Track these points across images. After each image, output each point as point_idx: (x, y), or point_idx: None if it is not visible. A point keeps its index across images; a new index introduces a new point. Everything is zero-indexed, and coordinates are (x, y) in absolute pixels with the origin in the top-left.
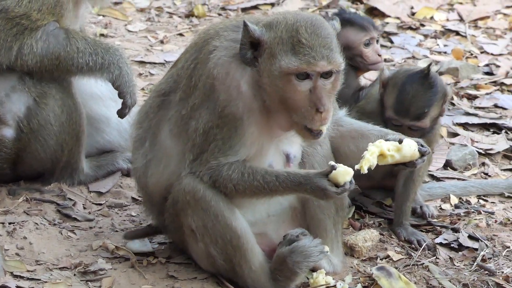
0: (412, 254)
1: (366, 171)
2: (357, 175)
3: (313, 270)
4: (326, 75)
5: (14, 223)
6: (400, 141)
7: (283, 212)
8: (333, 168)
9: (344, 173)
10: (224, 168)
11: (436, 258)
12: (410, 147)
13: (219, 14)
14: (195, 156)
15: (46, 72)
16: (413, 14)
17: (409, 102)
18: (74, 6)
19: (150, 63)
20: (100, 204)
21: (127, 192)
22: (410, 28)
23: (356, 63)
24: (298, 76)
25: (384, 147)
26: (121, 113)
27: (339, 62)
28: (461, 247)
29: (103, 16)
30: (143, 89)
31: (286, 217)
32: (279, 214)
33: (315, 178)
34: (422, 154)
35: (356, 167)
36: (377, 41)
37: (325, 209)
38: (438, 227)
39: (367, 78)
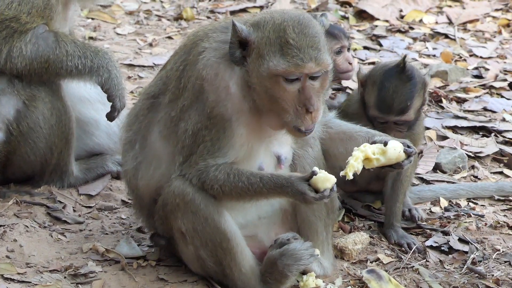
0: (402, 257)
1: (351, 177)
2: (343, 180)
3: (304, 273)
4: (314, 75)
5: (4, 225)
6: (386, 144)
7: (274, 214)
8: (313, 173)
9: (324, 180)
10: (211, 169)
11: (426, 261)
12: (395, 149)
13: (208, 17)
14: (185, 158)
15: (35, 75)
16: (402, 17)
17: (390, 98)
18: (63, 8)
19: (139, 66)
20: (90, 207)
21: (117, 195)
22: (399, 31)
23: None
24: (286, 78)
25: (369, 151)
26: (110, 117)
27: (327, 62)
28: (451, 250)
29: (92, 19)
30: (132, 92)
31: (277, 219)
32: (270, 216)
33: (296, 182)
34: (408, 155)
35: (341, 173)
36: (348, 49)
37: (316, 212)
38: (428, 230)
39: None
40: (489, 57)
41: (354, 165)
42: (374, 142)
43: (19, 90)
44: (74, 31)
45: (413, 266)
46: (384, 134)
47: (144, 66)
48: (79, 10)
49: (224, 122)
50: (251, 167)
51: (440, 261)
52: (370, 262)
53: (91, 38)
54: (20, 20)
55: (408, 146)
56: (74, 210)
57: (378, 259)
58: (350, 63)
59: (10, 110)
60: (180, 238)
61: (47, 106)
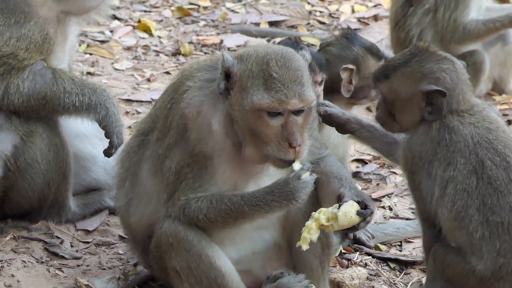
0: None
1: (307, 247)
2: None
3: None
4: (298, 112)
5: (2, 261)
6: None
7: (268, 249)
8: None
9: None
10: (193, 202)
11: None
12: (346, 215)
13: (205, 53)
14: (169, 196)
15: (33, 111)
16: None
17: None
18: (61, 38)
19: (137, 101)
20: (88, 242)
21: (114, 230)
22: None
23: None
24: (269, 113)
25: (322, 220)
26: (108, 153)
27: (311, 99)
28: None
29: (90, 54)
30: (129, 127)
31: (272, 254)
32: (264, 251)
33: (278, 182)
34: (364, 217)
35: (297, 245)
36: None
37: (311, 248)
38: None
39: None
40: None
41: (306, 238)
42: (340, 197)
43: (16, 126)
44: (72, 67)
45: None
46: (354, 187)
47: (142, 101)
48: (77, 46)
49: (206, 160)
50: None
51: None
52: None
53: (89, 73)
54: (18, 57)
55: (366, 206)
56: (72, 246)
57: None
58: None
59: (8, 145)
60: (175, 277)
61: (44, 142)
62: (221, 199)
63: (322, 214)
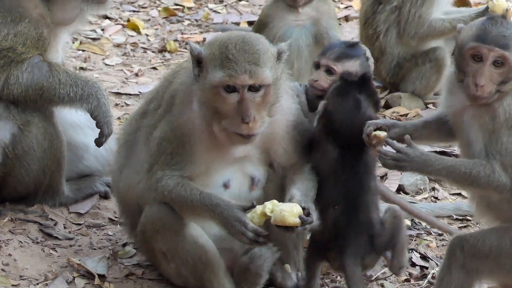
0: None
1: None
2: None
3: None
4: (254, 88)
5: (0, 241)
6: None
7: None
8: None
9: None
10: (166, 177)
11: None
12: (281, 212)
13: None
14: (149, 167)
15: (31, 101)
16: None
17: None
18: (54, 40)
19: (125, 94)
20: (80, 224)
21: (104, 213)
22: None
23: None
24: (225, 88)
25: (267, 209)
26: (98, 142)
27: (264, 77)
28: (414, 266)
29: (83, 50)
30: (119, 118)
31: None
32: None
33: (234, 207)
34: (303, 222)
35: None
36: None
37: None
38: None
39: None
40: None
41: (254, 217)
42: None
43: (14, 116)
44: (66, 62)
45: (378, 280)
46: (309, 196)
47: (130, 95)
48: (70, 43)
49: (183, 138)
50: (212, 184)
51: (405, 275)
52: (338, 275)
53: (81, 68)
54: (16, 51)
55: (309, 214)
56: (65, 227)
57: None
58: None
59: (6, 134)
60: (162, 258)
61: (40, 131)
62: (186, 186)
63: (270, 205)
